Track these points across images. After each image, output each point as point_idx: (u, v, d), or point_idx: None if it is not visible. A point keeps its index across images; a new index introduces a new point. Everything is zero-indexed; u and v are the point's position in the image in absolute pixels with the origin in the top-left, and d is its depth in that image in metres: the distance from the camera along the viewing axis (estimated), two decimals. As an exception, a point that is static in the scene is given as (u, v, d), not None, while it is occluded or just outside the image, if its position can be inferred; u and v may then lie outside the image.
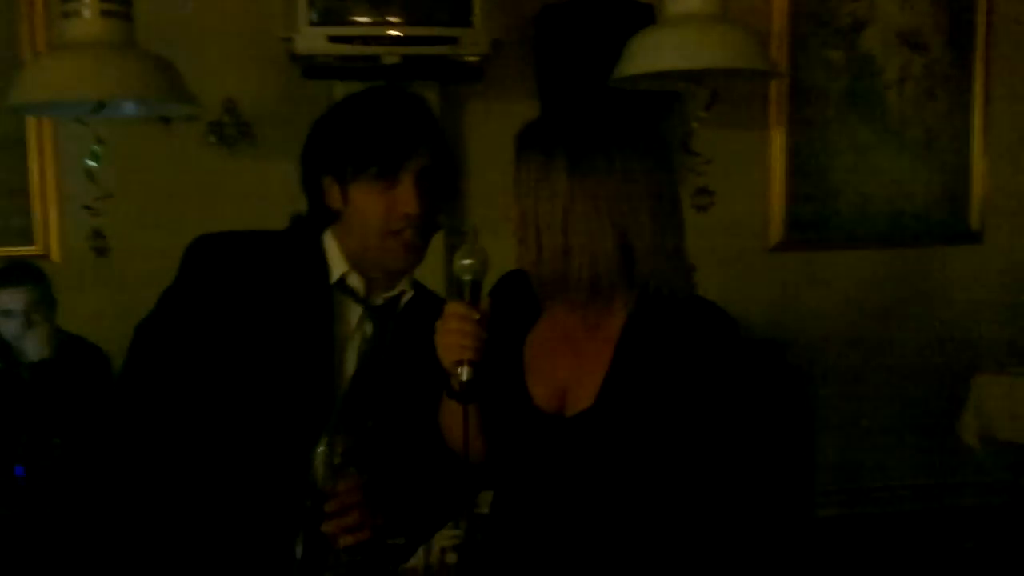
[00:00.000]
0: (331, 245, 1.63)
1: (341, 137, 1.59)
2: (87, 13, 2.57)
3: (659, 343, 1.45)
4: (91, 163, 2.89)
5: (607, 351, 1.48)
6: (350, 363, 1.63)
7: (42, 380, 2.89)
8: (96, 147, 2.87)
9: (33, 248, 3.59)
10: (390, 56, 3.13)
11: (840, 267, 4.17)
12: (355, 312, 1.64)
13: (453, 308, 1.47)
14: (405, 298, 1.66)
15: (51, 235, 3.62)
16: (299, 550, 1.60)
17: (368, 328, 1.64)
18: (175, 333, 1.57)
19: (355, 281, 1.62)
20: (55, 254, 3.62)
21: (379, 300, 1.64)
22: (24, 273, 3.07)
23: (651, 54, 2.88)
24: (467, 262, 1.46)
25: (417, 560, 2.78)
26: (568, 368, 1.52)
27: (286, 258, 1.61)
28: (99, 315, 3.34)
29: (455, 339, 1.45)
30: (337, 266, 1.62)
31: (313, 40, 3.08)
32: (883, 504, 4.25)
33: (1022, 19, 4.15)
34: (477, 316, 1.46)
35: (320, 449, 1.56)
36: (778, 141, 4.05)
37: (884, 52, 4.08)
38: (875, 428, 4.20)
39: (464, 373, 1.45)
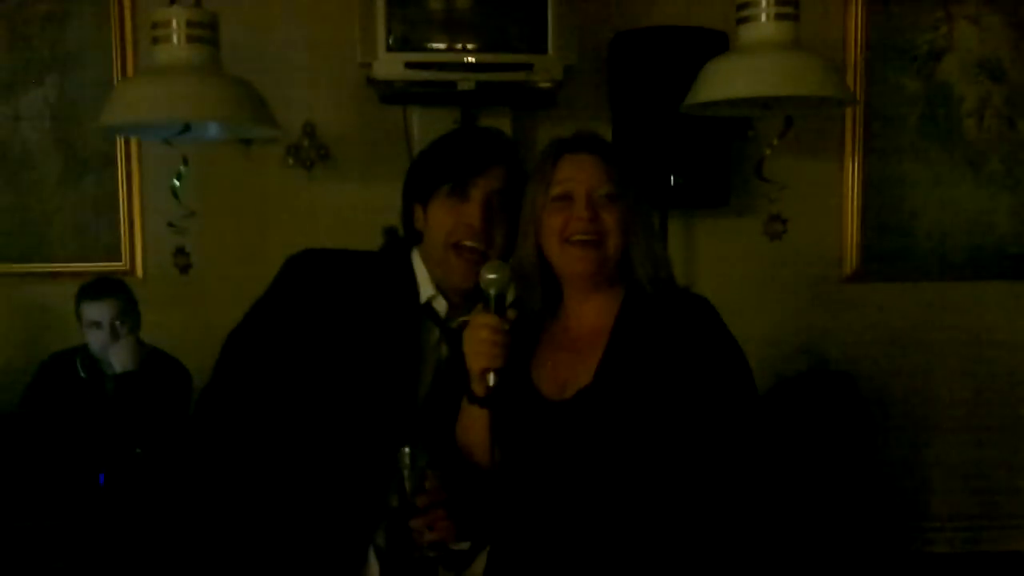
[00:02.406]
0: (420, 268, 1.74)
1: (425, 165, 1.76)
2: (175, 39, 2.65)
3: (650, 324, 1.60)
4: (176, 183, 2.98)
5: (603, 336, 1.61)
6: (426, 379, 1.73)
7: (126, 392, 2.99)
8: (181, 167, 2.96)
9: (119, 264, 3.72)
10: (465, 82, 3.17)
11: (916, 300, 4.07)
12: (433, 332, 1.74)
13: (483, 319, 1.58)
14: None
15: (136, 252, 3.74)
16: (380, 545, 1.68)
17: (444, 350, 1.75)
18: (270, 341, 1.66)
19: (440, 305, 1.74)
20: (140, 270, 3.75)
21: (455, 324, 1.73)
22: (110, 287, 3.18)
23: (724, 81, 2.86)
24: (491, 276, 1.58)
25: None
26: (569, 357, 1.63)
27: (380, 278, 1.72)
28: (180, 331, 3.44)
29: (485, 348, 1.56)
30: (425, 289, 1.73)
31: (390, 66, 3.14)
32: (947, 543, 4.13)
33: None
34: (506, 327, 1.57)
35: (406, 450, 1.63)
36: (853, 170, 4.00)
37: (963, 81, 4.01)
38: (942, 462, 4.10)
39: (491, 379, 1.57)
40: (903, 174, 4.03)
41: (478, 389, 1.60)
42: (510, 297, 1.63)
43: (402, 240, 1.79)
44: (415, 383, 1.71)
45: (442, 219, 1.69)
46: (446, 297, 1.73)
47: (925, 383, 4.07)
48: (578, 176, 1.61)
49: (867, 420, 3.79)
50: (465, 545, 1.65)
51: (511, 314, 1.58)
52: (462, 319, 1.70)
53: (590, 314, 1.65)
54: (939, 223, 4.06)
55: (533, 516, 1.61)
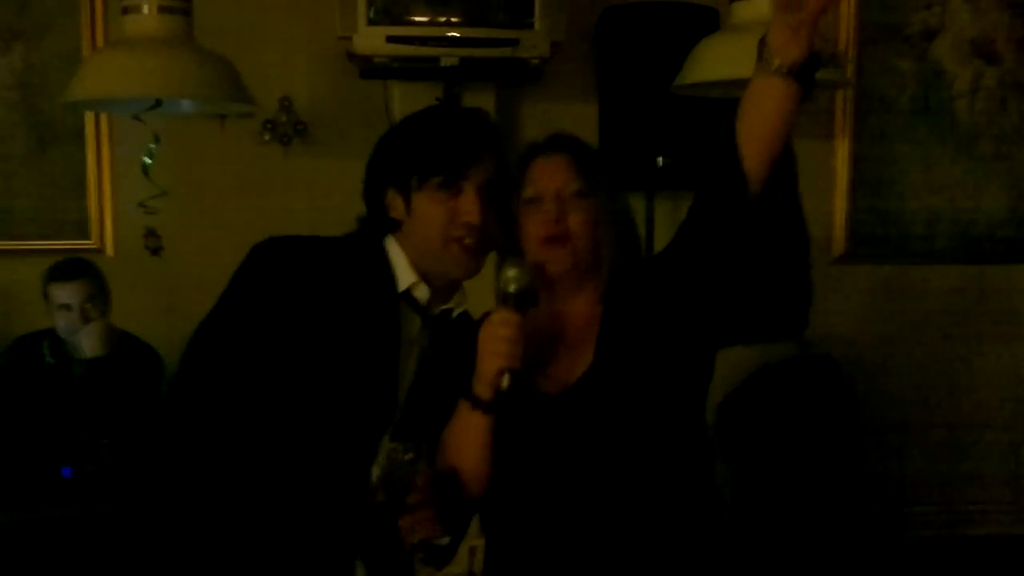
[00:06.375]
0: (397, 254, 1.64)
1: (405, 150, 1.64)
2: (146, 9, 2.56)
3: (634, 297, 1.62)
4: (147, 160, 2.87)
5: (594, 323, 1.62)
6: (408, 370, 1.67)
7: (95, 378, 2.88)
8: (152, 144, 2.85)
9: (89, 242, 3.60)
10: (448, 58, 3.08)
11: (904, 283, 4.03)
12: (414, 321, 1.66)
13: (504, 315, 1.53)
14: (458, 311, 1.70)
15: (106, 230, 3.62)
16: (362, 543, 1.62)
17: (426, 338, 1.68)
18: (241, 336, 1.57)
19: (421, 292, 1.65)
20: (110, 249, 3.63)
21: (436, 311, 1.68)
22: (80, 268, 3.08)
23: (716, 61, 2.79)
24: (512, 273, 1.54)
25: (461, 566, 2.74)
26: (563, 351, 1.63)
27: (354, 265, 1.63)
28: (151, 313, 3.33)
29: (505, 347, 1.51)
30: (405, 276, 1.64)
31: (371, 40, 3.04)
32: (927, 528, 4.10)
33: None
34: (527, 327, 1.53)
35: (391, 446, 1.60)
36: (843, 151, 3.94)
37: (955, 62, 3.95)
38: (931, 451, 4.07)
39: (505, 380, 1.51)
40: (893, 156, 3.97)
41: (484, 392, 1.54)
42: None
43: (371, 227, 1.69)
44: (395, 374, 1.63)
45: (433, 213, 1.60)
46: (429, 284, 1.65)
47: (911, 367, 4.03)
48: (546, 177, 1.62)
49: (851, 405, 3.75)
50: (446, 540, 1.60)
51: (531, 311, 1.56)
52: (443, 307, 1.68)
53: (577, 307, 1.65)
54: (928, 206, 4.01)
55: (539, 517, 1.59)
